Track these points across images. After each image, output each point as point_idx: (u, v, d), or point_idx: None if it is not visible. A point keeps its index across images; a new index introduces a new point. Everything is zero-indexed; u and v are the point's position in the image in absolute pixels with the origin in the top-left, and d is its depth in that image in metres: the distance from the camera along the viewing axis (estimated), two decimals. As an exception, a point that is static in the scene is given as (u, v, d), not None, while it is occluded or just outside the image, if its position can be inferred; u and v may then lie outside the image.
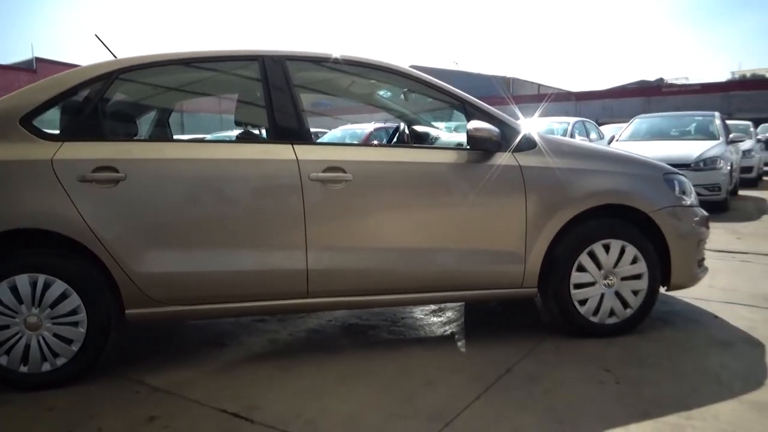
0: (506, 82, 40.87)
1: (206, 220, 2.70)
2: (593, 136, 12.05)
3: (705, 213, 3.32)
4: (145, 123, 3.70)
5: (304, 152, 2.78)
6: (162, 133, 3.60)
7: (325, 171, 2.75)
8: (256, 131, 3.32)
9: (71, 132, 2.70)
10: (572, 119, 11.95)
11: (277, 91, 2.85)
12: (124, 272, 2.60)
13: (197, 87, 3.67)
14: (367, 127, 11.27)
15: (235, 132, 3.40)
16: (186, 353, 3.11)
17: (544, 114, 13.89)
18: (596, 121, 14.40)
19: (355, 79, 3.55)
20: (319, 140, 5.64)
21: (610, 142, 10.75)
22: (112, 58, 2.90)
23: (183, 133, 14.88)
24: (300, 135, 2.84)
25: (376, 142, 9.41)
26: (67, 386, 2.59)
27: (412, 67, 3.33)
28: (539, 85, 45.64)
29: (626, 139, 9.60)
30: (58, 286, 2.55)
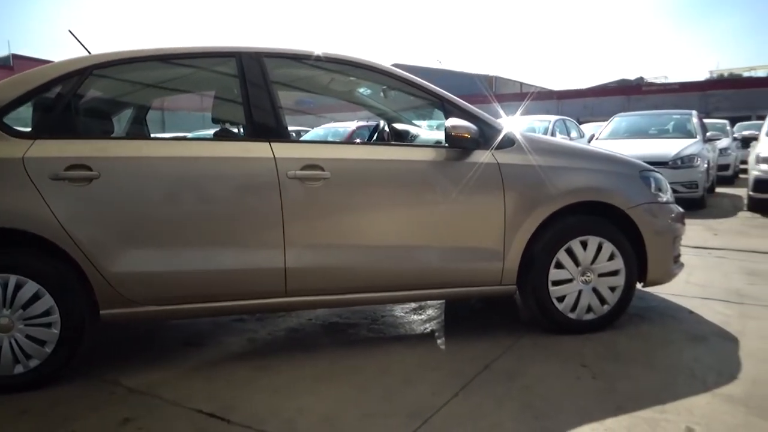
0: (489, 81, 41.10)
1: (182, 218, 2.67)
2: (574, 134, 12.17)
3: (681, 209, 3.37)
4: (123, 120, 3.65)
5: (282, 150, 2.76)
6: (138, 130, 3.55)
7: (302, 169, 2.73)
8: (234, 129, 3.29)
9: (43, 129, 2.64)
10: (553, 117, 12.04)
11: (255, 88, 2.82)
12: (99, 272, 2.56)
13: (174, 84, 3.63)
14: (350, 126, 11.21)
15: (215, 130, 3.36)
16: (163, 353, 3.07)
17: (526, 112, 13.99)
18: (577, 120, 14.54)
19: (334, 77, 3.52)
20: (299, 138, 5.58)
21: (590, 140, 10.86)
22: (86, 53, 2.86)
23: (164, 131, 14.70)
24: (277, 132, 2.82)
25: (358, 140, 9.38)
26: (40, 388, 2.55)
27: (395, 65, 3.33)
28: (521, 84, 45.96)
29: (606, 137, 9.72)
30: (31, 287, 2.50)
